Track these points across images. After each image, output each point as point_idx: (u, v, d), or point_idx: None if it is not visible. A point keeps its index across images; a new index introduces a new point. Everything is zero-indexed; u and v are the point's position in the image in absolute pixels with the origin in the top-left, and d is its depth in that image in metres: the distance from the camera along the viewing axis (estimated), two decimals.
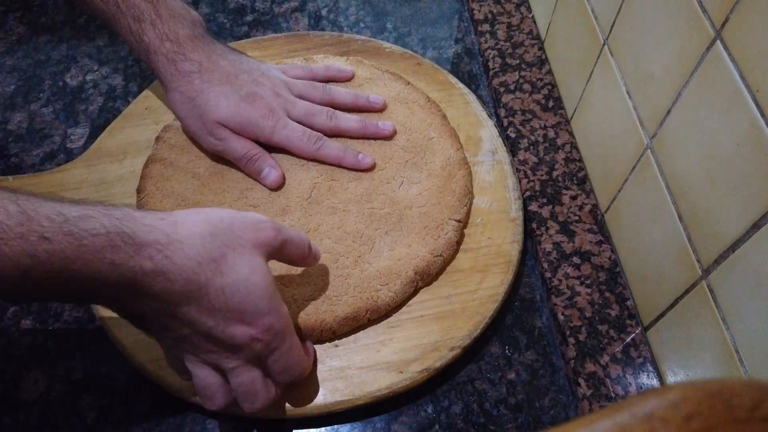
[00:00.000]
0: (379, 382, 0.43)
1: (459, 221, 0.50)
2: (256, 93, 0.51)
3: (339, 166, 0.53)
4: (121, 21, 0.49)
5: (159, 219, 0.35)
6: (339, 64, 0.60)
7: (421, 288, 0.47)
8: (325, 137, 0.53)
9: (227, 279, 0.35)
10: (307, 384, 0.43)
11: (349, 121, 0.54)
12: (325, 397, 0.43)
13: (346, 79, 0.59)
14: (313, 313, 0.45)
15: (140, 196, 0.52)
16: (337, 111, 0.54)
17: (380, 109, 0.56)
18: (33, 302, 0.46)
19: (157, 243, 0.33)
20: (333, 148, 0.52)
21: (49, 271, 0.30)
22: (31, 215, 0.30)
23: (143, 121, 0.58)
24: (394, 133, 0.55)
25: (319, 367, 0.44)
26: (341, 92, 0.56)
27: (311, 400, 0.43)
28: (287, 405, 0.42)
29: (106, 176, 0.54)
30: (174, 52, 0.49)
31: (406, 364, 0.44)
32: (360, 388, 0.43)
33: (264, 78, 0.52)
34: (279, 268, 0.45)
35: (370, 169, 0.52)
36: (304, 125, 0.53)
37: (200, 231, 0.35)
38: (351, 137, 0.54)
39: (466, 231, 0.51)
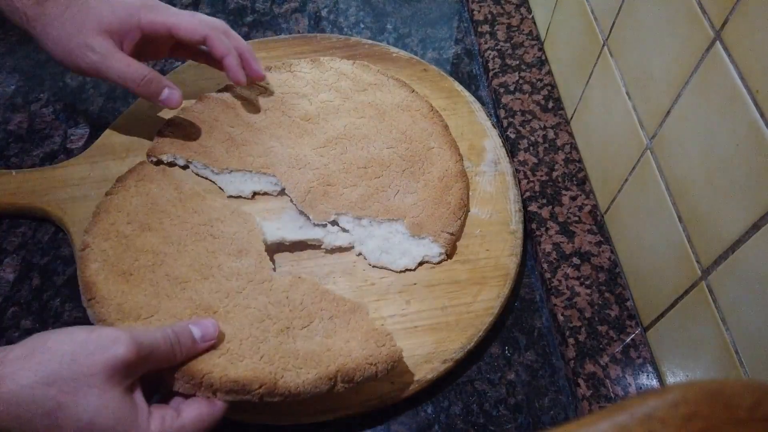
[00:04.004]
0: (370, 393, 0.43)
1: (452, 234, 0.49)
2: None
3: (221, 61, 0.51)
4: None
5: None
6: (346, 67, 0.60)
7: (339, 390, 0.40)
8: None
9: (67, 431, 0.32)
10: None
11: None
12: (315, 405, 0.42)
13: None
14: (202, 360, 0.39)
15: (116, 185, 0.51)
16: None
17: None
18: None
19: None
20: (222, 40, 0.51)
21: None
22: None
23: (147, 119, 0.58)
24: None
25: None
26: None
27: (302, 408, 0.42)
28: (278, 413, 0.42)
29: (109, 173, 0.54)
30: None
31: (398, 375, 0.43)
32: (351, 398, 0.43)
33: None
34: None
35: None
36: None
37: (30, 382, 0.31)
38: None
39: (464, 242, 0.50)
